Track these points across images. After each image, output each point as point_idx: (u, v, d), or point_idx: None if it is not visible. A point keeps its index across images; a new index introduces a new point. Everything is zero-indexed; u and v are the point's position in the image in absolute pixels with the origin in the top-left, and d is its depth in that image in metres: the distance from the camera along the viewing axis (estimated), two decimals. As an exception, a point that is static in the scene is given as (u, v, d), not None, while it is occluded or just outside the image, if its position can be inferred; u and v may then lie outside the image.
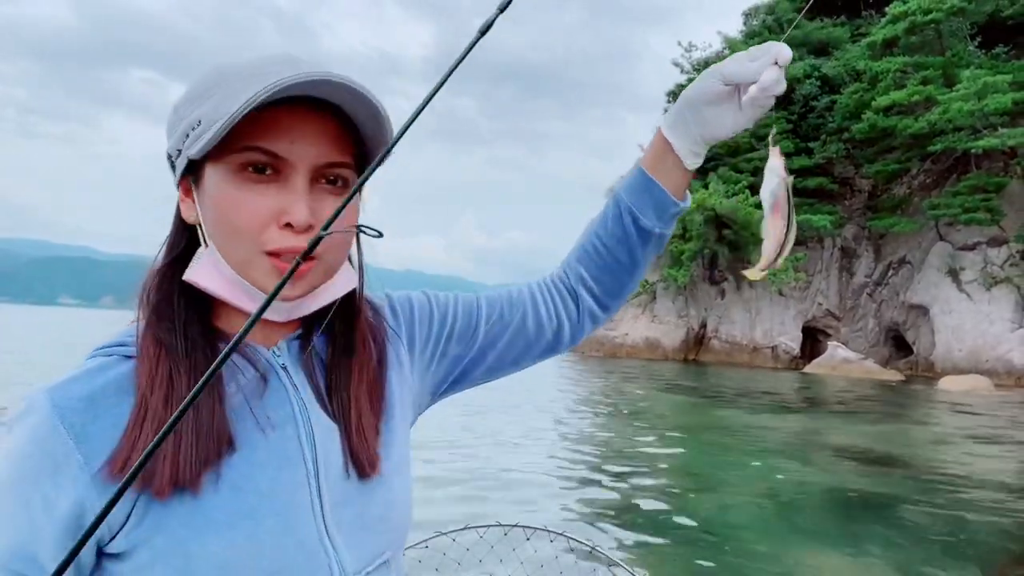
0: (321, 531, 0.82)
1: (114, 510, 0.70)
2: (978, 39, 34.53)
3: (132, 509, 0.73)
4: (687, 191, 1.08)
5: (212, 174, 0.79)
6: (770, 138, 0.99)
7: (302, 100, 0.78)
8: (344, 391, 0.89)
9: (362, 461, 0.86)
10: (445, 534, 2.10)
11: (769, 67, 0.92)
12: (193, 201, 0.82)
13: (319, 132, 0.80)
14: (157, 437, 0.61)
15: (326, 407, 0.87)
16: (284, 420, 0.83)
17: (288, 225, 0.78)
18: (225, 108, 0.74)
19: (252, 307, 0.80)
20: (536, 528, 2.13)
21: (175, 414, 0.61)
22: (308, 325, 0.91)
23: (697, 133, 1.00)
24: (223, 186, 0.78)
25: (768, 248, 0.99)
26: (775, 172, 0.98)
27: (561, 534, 2.13)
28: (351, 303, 0.93)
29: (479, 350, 1.07)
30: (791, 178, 0.98)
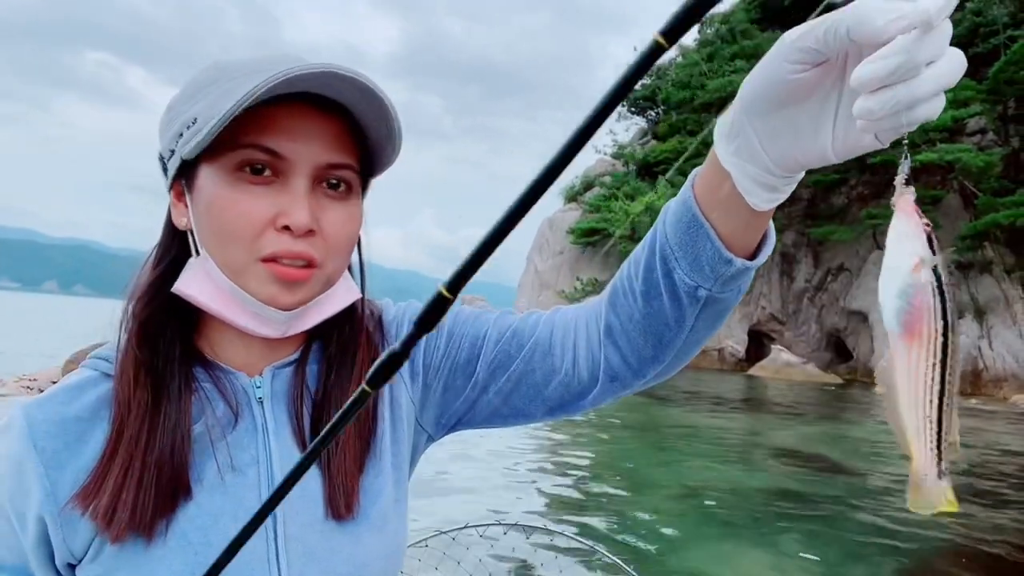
0: None
1: (75, 541, 0.72)
2: (922, 56, 35.56)
3: (91, 543, 0.72)
4: (766, 239, 0.71)
5: (207, 175, 0.73)
6: (898, 178, 0.56)
7: (304, 98, 0.72)
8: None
9: (338, 502, 0.78)
10: (445, 532, 2.11)
11: (906, 16, 0.47)
12: (186, 206, 0.76)
13: (322, 131, 0.74)
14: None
15: (305, 446, 0.79)
16: (247, 463, 0.77)
17: (286, 228, 0.72)
18: (223, 104, 0.68)
19: (246, 319, 0.75)
20: (536, 528, 2.15)
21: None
22: (305, 349, 0.84)
23: (763, 151, 0.59)
24: (218, 187, 0.72)
25: (912, 440, 0.54)
26: (912, 251, 0.53)
27: (561, 533, 2.15)
28: (351, 316, 0.85)
29: (481, 388, 0.89)
30: (941, 262, 0.52)
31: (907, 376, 0.53)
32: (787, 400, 20.72)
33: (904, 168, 0.56)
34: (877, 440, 12.92)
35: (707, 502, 7.33)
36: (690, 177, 0.70)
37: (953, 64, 0.51)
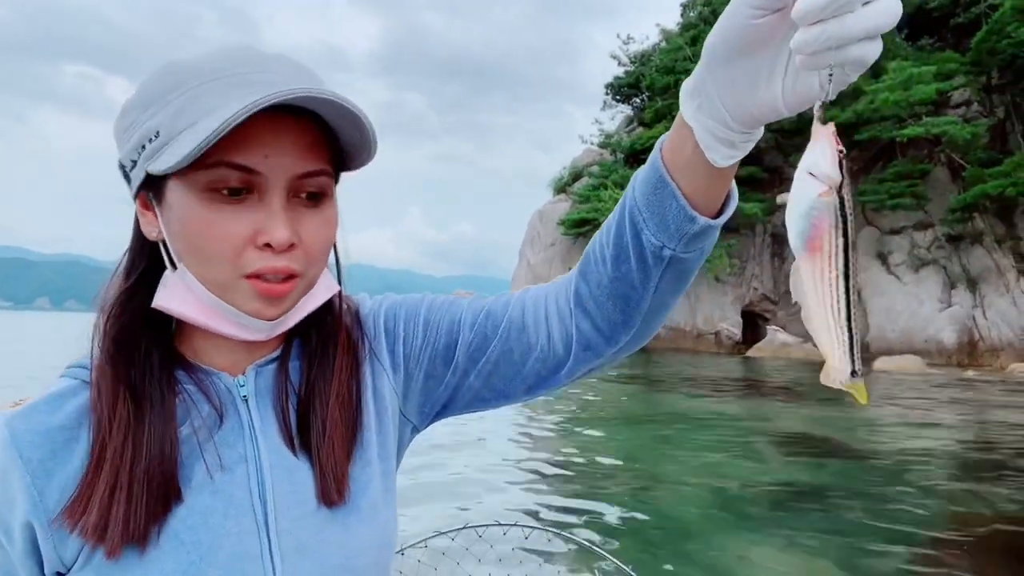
0: None
1: (65, 549, 0.71)
2: (905, 31, 35.67)
3: (81, 550, 0.71)
4: (727, 199, 0.75)
5: (177, 191, 0.71)
6: (816, 110, 0.59)
7: (275, 108, 0.69)
8: (318, 418, 0.81)
9: (330, 489, 0.79)
10: (444, 533, 2.11)
11: None
12: (155, 216, 0.74)
13: (294, 141, 0.72)
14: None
15: (292, 441, 0.80)
16: (235, 461, 0.77)
17: (267, 245, 0.71)
18: (187, 119, 0.66)
19: (228, 328, 0.75)
20: (534, 527, 2.16)
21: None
22: (287, 346, 0.85)
23: (721, 105, 0.63)
24: (190, 205, 0.70)
25: (825, 344, 0.60)
26: (820, 171, 0.58)
27: (559, 533, 2.16)
28: (330, 312, 0.86)
29: (462, 373, 0.90)
30: (846, 184, 0.58)
31: (815, 289, 0.58)
32: (787, 381, 20.79)
33: (821, 102, 0.59)
34: (880, 421, 12.98)
35: (712, 494, 7.31)
36: (658, 142, 0.73)
37: (888, 6, 0.52)
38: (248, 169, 0.69)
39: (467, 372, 0.89)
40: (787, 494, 7.31)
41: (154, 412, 0.74)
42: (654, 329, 0.84)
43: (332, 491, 0.79)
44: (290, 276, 0.73)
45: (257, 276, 0.72)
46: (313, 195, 0.75)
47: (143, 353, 0.76)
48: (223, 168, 0.69)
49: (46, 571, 0.73)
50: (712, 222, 0.72)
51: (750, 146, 0.67)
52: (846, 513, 6.62)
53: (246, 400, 0.80)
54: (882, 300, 32.32)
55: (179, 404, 0.76)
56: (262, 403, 0.81)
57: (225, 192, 0.70)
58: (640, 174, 0.74)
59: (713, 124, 0.65)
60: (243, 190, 0.70)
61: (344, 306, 0.89)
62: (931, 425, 12.34)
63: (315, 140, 0.74)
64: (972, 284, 30.82)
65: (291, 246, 0.72)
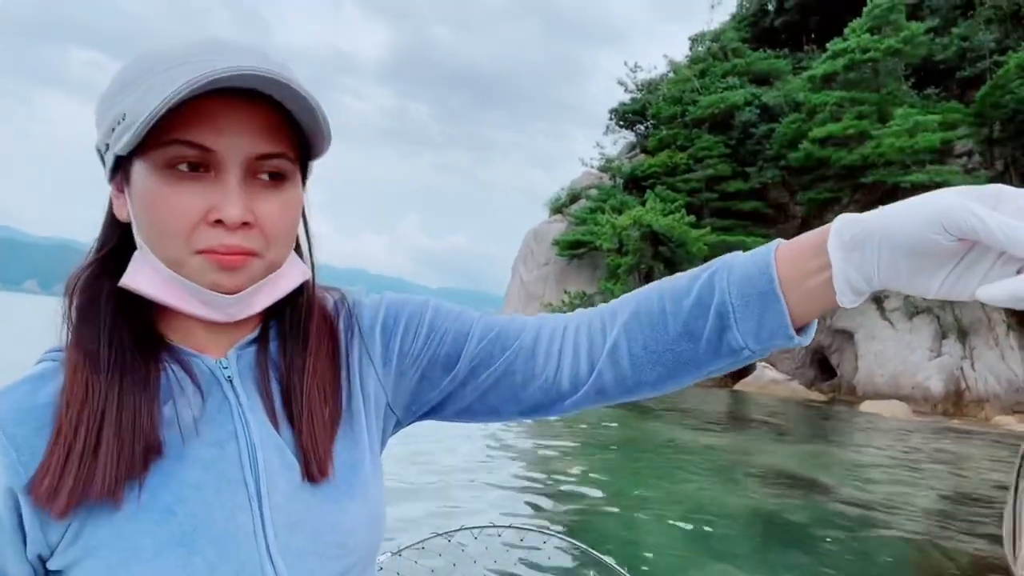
0: (263, 558, 0.75)
1: (50, 529, 0.70)
2: (912, 80, 36.08)
3: (67, 527, 0.71)
4: (814, 325, 0.76)
5: (139, 170, 0.73)
6: None
7: (231, 90, 0.71)
8: (299, 394, 0.82)
9: (311, 462, 0.79)
10: (441, 535, 2.12)
11: None
12: (126, 198, 0.77)
13: (249, 121, 0.73)
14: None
15: (277, 419, 0.80)
16: (225, 438, 0.77)
17: (219, 222, 0.72)
18: (151, 100, 0.68)
19: (194, 306, 0.75)
20: (530, 530, 2.16)
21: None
22: (264, 328, 0.86)
23: (876, 272, 0.66)
24: (150, 182, 0.72)
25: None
26: None
27: (554, 535, 2.16)
28: (303, 296, 0.86)
29: (460, 383, 0.90)
30: None
31: None
32: (774, 418, 20.81)
33: None
34: (864, 461, 12.98)
35: (698, 523, 7.31)
36: (770, 247, 0.74)
37: None
38: (201, 147, 0.71)
39: (465, 383, 0.90)
40: (772, 530, 7.30)
41: (126, 379, 0.74)
42: (671, 391, 0.86)
43: (314, 467, 0.79)
44: (244, 254, 0.74)
45: (210, 252, 0.73)
46: (274, 175, 0.76)
47: (109, 324, 0.76)
48: (177, 145, 0.71)
49: (28, 553, 0.72)
50: (802, 341, 0.74)
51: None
52: (821, 551, 6.61)
53: (231, 380, 0.81)
54: (873, 344, 32.40)
55: (163, 382, 0.77)
56: (246, 382, 0.81)
57: (183, 168, 0.72)
58: (738, 269, 0.75)
59: (857, 278, 0.67)
60: (199, 166, 0.72)
61: (317, 292, 0.90)
62: (914, 469, 12.33)
63: (273, 123, 0.75)
64: (963, 335, 30.93)
65: (245, 224, 0.73)
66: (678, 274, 0.83)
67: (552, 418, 0.91)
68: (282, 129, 0.76)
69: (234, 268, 0.74)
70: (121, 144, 0.70)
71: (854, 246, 0.66)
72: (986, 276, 0.62)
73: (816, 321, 0.75)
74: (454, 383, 0.90)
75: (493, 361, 0.88)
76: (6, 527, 0.71)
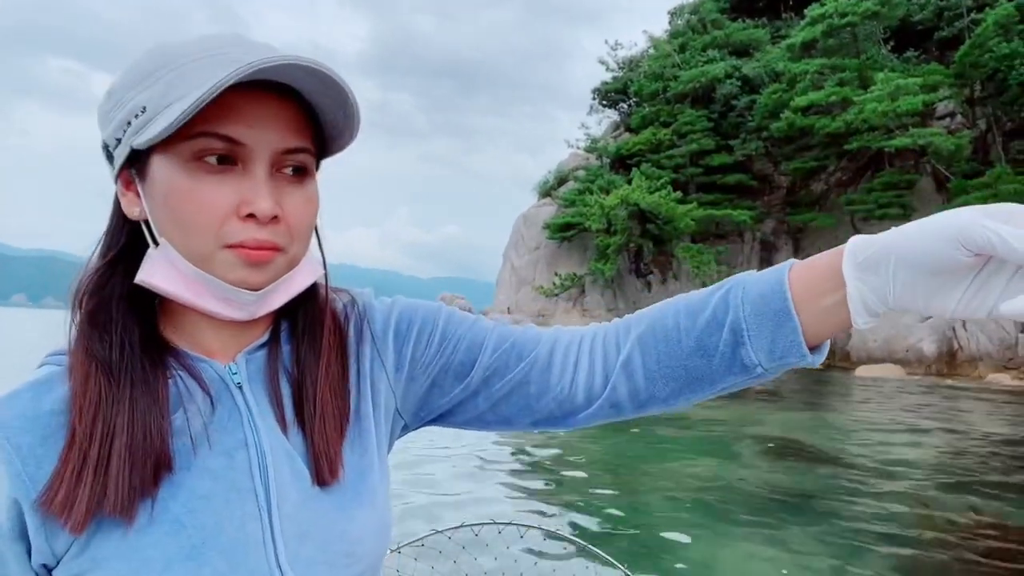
0: (273, 567, 0.74)
1: (56, 540, 0.69)
2: (891, 43, 36.14)
3: (72, 542, 0.70)
4: (827, 344, 0.76)
5: (161, 164, 0.71)
6: None
7: (259, 83, 0.70)
8: (312, 397, 0.81)
9: (323, 465, 0.79)
10: (441, 532, 2.12)
11: None
12: (137, 195, 0.75)
13: (277, 116, 0.73)
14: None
15: (286, 424, 0.79)
16: (235, 447, 0.76)
17: (251, 216, 0.71)
18: (177, 92, 0.67)
19: (212, 304, 0.74)
20: (530, 526, 2.16)
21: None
22: (274, 331, 0.84)
23: (891, 293, 0.67)
24: (175, 177, 0.71)
25: None
26: None
27: (554, 532, 2.17)
28: (315, 294, 0.86)
29: (472, 392, 0.89)
30: None
31: None
32: (770, 386, 20.92)
33: None
34: (860, 427, 13.08)
35: (701, 496, 7.36)
36: (784, 267, 0.75)
37: None
38: (232, 139, 0.70)
39: (477, 392, 0.89)
40: (776, 499, 7.36)
41: (136, 389, 0.73)
42: (680, 407, 0.85)
43: (325, 470, 0.79)
44: (272, 248, 0.73)
45: (240, 246, 0.72)
46: (297, 170, 0.76)
47: (120, 329, 0.75)
48: (206, 138, 0.69)
49: (32, 562, 0.71)
50: (812, 359, 0.74)
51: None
52: (827, 515, 6.68)
53: (240, 387, 0.79)
54: (864, 309, 32.62)
55: (172, 389, 0.75)
56: (255, 388, 0.80)
57: (210, 161, 0.71)
58: (752, 287, 0.76)
59: (873, 299, 0.67)
60: (227, 159, 0.71)
61: (331, 293, 0.89)
62: (913, 431, 12.45)
63: (298, 119, 0.74)
64: (953, 294, 31.13)
65: (274, 219, 0.72)
66: (692, 292, 0.83)
67: (565, 430, 0.91)
68: (306, 124, 0.76)
69: (262, 263, 0.73)
70: (145, 136, 0.68)
71: (868, 267, 0.67)
72: (1004, 291, 0.62)
73: (829, 341, 0.75)
74: (466, 392, 0.89)
75: (508, 371, 0.87)
76: (8, 536, 0.70)
